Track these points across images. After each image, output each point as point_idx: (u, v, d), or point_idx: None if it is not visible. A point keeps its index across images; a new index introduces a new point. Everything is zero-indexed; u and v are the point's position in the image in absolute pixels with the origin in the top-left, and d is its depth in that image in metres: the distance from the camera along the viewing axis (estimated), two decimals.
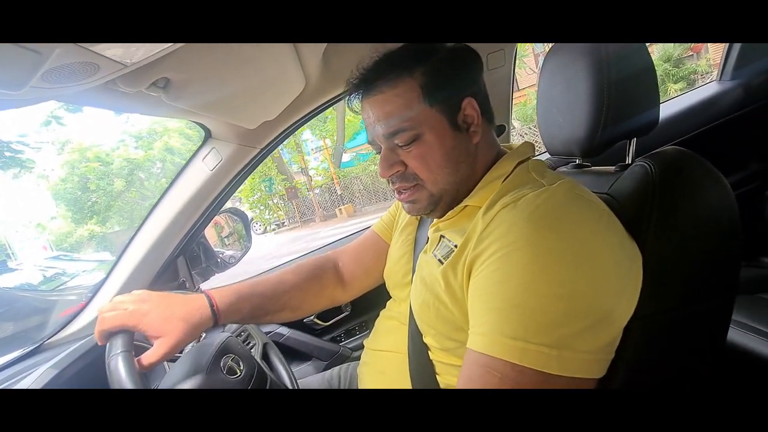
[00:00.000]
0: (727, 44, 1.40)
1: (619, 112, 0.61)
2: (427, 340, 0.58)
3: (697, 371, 0.55)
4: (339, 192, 12.03)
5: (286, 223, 13.01)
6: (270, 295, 0.71)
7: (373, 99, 0.55)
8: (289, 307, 0.75)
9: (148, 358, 0.54)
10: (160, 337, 0.55)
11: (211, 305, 0.62)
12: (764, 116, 1.32)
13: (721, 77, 1.42)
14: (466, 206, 0.56)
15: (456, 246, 0.52)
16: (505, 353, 0.40)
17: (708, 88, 1.43)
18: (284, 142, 1.09)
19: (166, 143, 14.08)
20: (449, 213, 0.59)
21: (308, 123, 1.05)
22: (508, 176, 0.55)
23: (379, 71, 0.55)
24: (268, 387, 0.75)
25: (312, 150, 14.04)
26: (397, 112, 0.53)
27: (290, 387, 0.75)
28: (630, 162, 0.68)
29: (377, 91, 0.55)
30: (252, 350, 0.82)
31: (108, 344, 0.53)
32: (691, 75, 8.35)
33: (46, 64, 0.31)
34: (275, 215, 13.15)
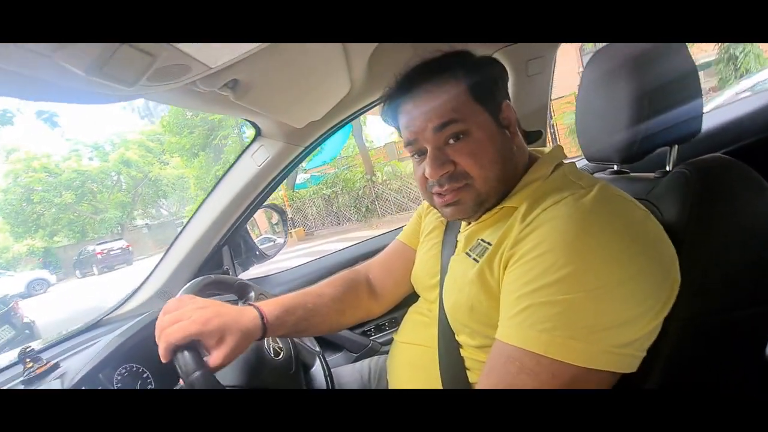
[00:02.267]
0: None
1: (661, 118, 0.61)
2: (460, 338, 0.60)
3: (734, 379, 0.55)
4: (290, 215, 10.85)
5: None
6: (312, 307, 0.71)
7: (420, 98, 0.56)
8: (330, 319, 0.75)
9: (212, 362, 0.53)
10: (218, 346, 0.53)
11: (262, 318, 0.61)
12: None
13: None
14: (503, 207, 0.57)
15: (491, 244, 0.54)
16: (529, 344, 0.42)
17: (760, 98, 1.36)
18: None
19: (123, 155, 13.70)
20: (484, 216, 0.60)
21: None
22: (546, 179, 0.56)
23: (424, 73, 0.57)
24: (306, 369, 0.80)
25: None
26: (447, 105, 0.54)
27: (324, 374, 0.80)
28: (671, 169, 0.68)
29: (424, 90, 0.56)
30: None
31: (178, 364, 0.50)
32: None
33: (155, 65, 0.37)
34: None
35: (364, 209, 9.00)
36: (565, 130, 8.45)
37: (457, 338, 0.60)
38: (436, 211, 0.75)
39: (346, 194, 9.08)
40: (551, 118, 1.13)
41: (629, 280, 0.42)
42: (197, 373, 0.48)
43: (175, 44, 0.37)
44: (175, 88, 0.49)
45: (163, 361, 0.52)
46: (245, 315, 0.59)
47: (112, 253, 12.83)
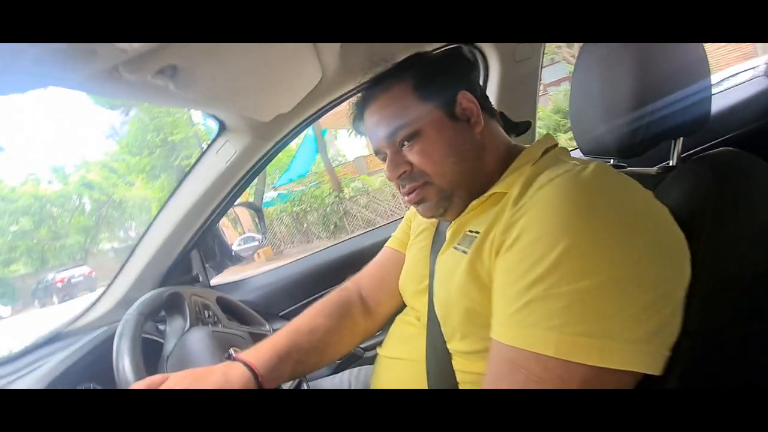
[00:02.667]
0: None
1: (667, 107, 0.55)
2: (451, 345, 0.54)
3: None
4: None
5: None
6: (307, 348, 0.65)
7: (372, 107, 0.59)
8: (327, 355, 0.69)
9: None
10: None
11: (254, 375, 0.55)
12: None
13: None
14: (492, 194, 0.53)
15: (479, 232, 0.50)
16: (537, 345, 0.37)
17: (755, 84, 1.32)
18: None
19: (84, 177, 13.18)
20: (473, 204, 0.56)
21: None
22: (536, 161, 0.53)
23: (374, 82, 0.60)
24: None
25: None
26: (394, 111, 0.56)
27: (302, 387, 0.74)
28: (674, 164, 0.62)
29: (373, 100, 0.59)
30: None
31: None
32: None
33: (35, 48, 0.29)
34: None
35: (332, 226, 8.83)
36: None
37: (448, 346, 0.55)
38: None
39: (315, 211, 8.91)
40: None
41: (639, 262, 0.37)
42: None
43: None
44: (91, 75, 0.41)
45: None
46: (232, 375, 0.54)
47: (73, 280, 11.88)
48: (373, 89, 0.60)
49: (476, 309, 0.49)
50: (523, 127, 0.70)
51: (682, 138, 0.61)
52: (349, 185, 9.54)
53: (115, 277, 1.01)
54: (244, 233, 1.41)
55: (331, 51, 0.80)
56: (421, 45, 0.73)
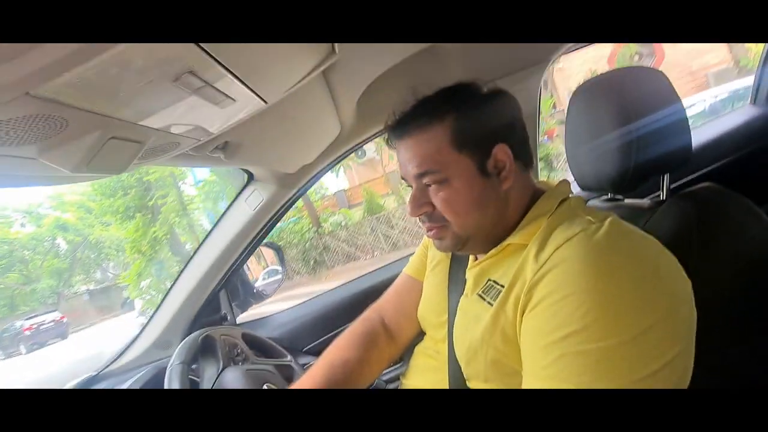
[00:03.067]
0: (760, 67, 1.37)
1: (650, 147, 0.61)
2: (472, 384, 0.58)
3: None
4: None
5: None
6: (342, 381, 0.67)
7: (405, 142, 0.57)
8: (360, 384, 0.71)
9: None
10: None
11: None
12: None
13: (755, 101, 1.38)
14: (508, 245, 0.56)
15: (503, 286, 0.52)
16: None
17: (742, 113, 1.39)
18: None
19: (59, 219, 12.51)
20: (491, 252, 0.58)
21: None
22: (552, 214, 0.54)
23: (413, 115, 0.57)
24: None
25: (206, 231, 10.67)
26: (426, 155, 0.55)
27: None
28: (664, 197, 0.68)
29: (408, 135, 0.57)
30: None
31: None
32: (543, 158, 7.84)
33: (143, 150, 0.38)
34: None
35: (312, 262, 8.67)
36: None
37: (469, 384, 0.58)
38: None
39: (294, 247, 8.69)
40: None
41: (661, 322, 0.40)
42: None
43: (161, 129, 0.38)
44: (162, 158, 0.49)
45: None
46: None
47: (42, 327, 10.96)
48: (410, 122, 0.57)
49: (500, 359, 0.51)
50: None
51: (668, 174, 0.67)
52: (328, 219, 9.33)
53: (150, 318, 1.07)
54: (268, 267, 1.47)
55: (348, 107, 0.90)
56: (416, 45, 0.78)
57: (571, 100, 0.76)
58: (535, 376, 0.44)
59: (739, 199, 0.53)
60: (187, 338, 0.78)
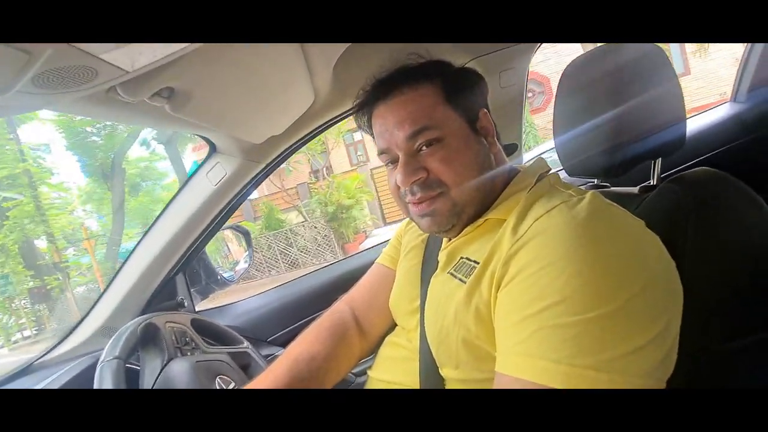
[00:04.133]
0: (742, 65, 1.38)
1: (645, 129, 0.58)
2: (443, 371, 0.53)
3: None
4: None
5: (30, 334, 8.07)
6: (308, 377, 0.63)
7: (394, 101, 0.54)
8: (327, 381, 0.66)
9: None
10: None
11: None
12: None
13: (735, 98, 1.39)
14: (486, 219, 0.53)
15: (478, 262, 0.49)
16: (544, 377, 0.36)
17: (721, 109, 1.40)
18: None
19: None
20: (467, 229, 0.55)
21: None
22: (531, 189, 0.52)
23: (399, 77, 0.55)
24: None
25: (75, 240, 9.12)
26: (421, 110, 0.52)
27: None
28: (655, 183, 0.65)
29: (398, 93, 0.54)
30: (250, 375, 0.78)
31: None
32: None
33: (36, 66, 0.29)
34: (19, 323, 8.26)
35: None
36: None
37: (441, 372, 0.53)
38: (415, 228, 0.72)
39: None
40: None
41: (641, 294, 0.37)
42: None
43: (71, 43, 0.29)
44: (86, 96, 0.40)
45: None
46: None
47: None
48: (398, 81, 0.54)
49: (472, 340, 0.47)
50: (510, 150, 0.72)
51: (660, 159, 0.64)
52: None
53: (94, 304, 0.96)
54: (232, 256, 1.38)
55: (323, 74, 0.81)
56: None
57: (560, 79, 0.72)
58: (508, 353, 0.40)
59: (739, 184, 0.49)
60: (122, 328, 0.68)
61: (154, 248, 0.93)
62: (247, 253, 1.36)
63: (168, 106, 0.50)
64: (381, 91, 0.55)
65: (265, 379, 0.59)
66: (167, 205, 0.94)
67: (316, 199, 8.33)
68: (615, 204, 0.45)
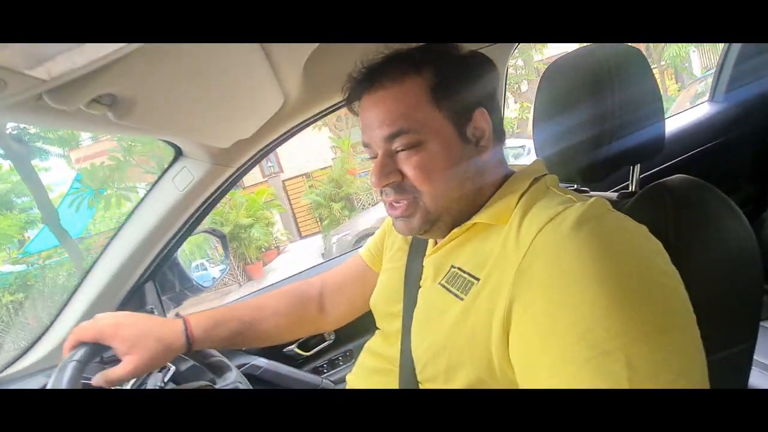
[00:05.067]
0: (719, 65, 1.39)
1: (626, 134, 0.56)
2: (429, 386, 0.50)
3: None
4: None
5: None
6: (249, 321, 0.69)
7: (375, 95, 0.50)
8: (269, 334, 0.72)
9: (112, 373, 0.54)
10: (129, 354, 0.55)
11: (186, 330, 0.61)
12: (755, 138, 1.30)
13: (713, 98, 1.40)
14: (474, 224, 0.50)
15: (474, 276, 0.46)
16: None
17: (700, 109, 1.41)
18: None
19: None
20: (454, 232, 0.52)
21: None
22: (524, 193, 0.48)
23: (384, 66, 0.50)
24: None
25: None
26: (401, 110, 0.48)
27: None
28: (634, 189, 0.64)
29: (379, 86, 0.49)
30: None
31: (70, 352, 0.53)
32: None
33: None
34: None
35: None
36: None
37: (423, 386, 0.51)
38: None
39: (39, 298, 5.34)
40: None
41: (683, 306, 0.35)
42: (71, 363, 0.50)
43: None
44: (18, 104, 0.36)
45: (64, 353, 0.54)
46: (167, 327, 0.61)
47: None
48: (382, 72, 0.50)
49: (464, 360, 0.45)
50: None
51: (639, 165, 0.62)
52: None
53: (56, 316, 0.91)
54: (207, 261, 1.34)
55: (293, 76, 0.78)
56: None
57: (540, 80, 0.70)
58: (555, 374, 0.35)
59: (715, 191, 0.48)
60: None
61: (119, 257, 0.89)
62: (224, 255, 1.33)
63: (111, 114, 0.46)
64: (366, 80, 0.51)
65: (205, 312, 0.67)
66: (132, 212, 0.90)
67: (210, 221, 7.86)
68: (617, 211, 0.42)
